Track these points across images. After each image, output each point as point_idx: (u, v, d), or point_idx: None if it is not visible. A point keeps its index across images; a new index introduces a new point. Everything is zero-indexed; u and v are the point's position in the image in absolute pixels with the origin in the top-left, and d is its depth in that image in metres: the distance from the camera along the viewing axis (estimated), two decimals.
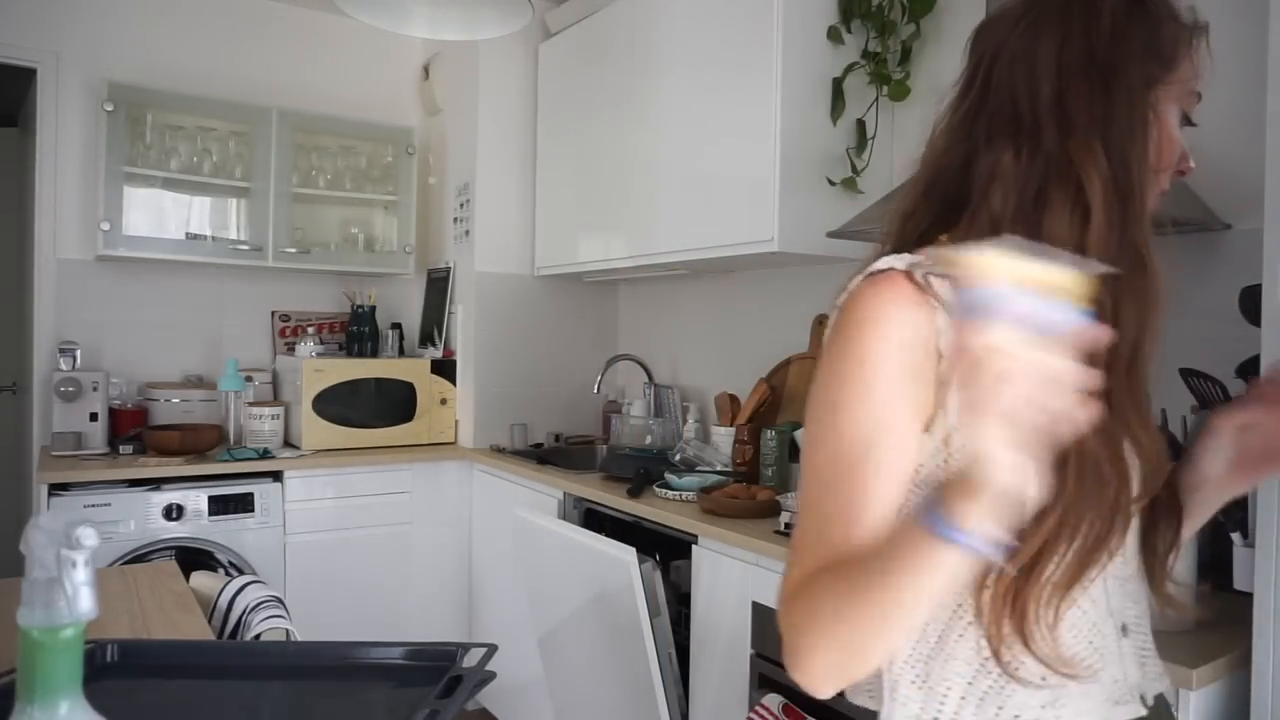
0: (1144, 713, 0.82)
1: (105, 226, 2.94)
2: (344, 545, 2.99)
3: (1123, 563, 0.82)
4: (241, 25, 3.41)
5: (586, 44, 3.01)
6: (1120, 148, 0.76)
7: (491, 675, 0.98)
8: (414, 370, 3.23)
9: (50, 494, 2.58)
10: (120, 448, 2.88)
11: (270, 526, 2.86)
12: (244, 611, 1.58)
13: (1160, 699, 0.86)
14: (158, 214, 3.16)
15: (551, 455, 3.02)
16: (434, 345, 3.44)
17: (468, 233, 3.30)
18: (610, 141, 2.85)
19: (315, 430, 3.02)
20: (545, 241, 3.27)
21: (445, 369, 3.29)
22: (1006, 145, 0.78)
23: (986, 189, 0.78)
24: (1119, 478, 0.74)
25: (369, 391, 3.14)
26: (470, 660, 1.03)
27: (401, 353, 3.50)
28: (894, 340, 0.73)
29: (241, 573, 2.53)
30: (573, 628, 2.20)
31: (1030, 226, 0.75)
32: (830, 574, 0.70)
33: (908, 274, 0.76)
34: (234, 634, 1.56)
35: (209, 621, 1.55)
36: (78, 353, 2.95)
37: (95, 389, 2.89)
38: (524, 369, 3.31)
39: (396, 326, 3.52)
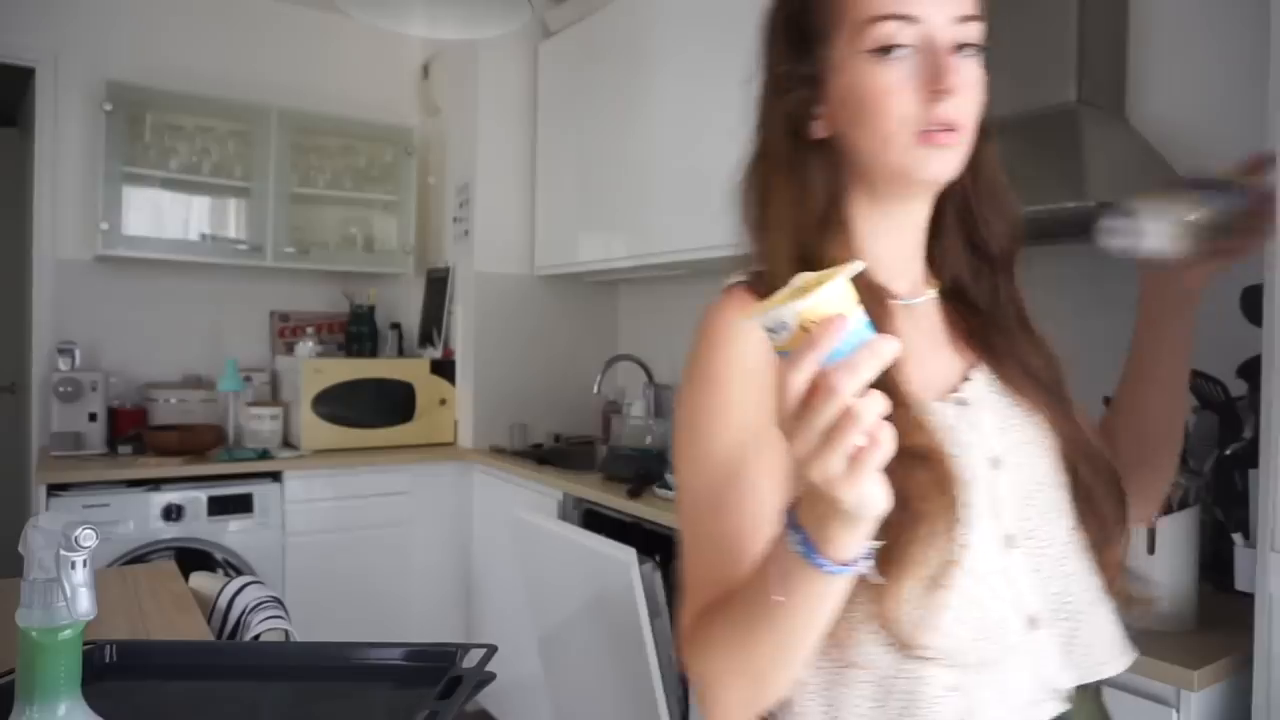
0: (1067, 708, 0.74)
1: (104, 226, 2.94)
2: (343, 546, 2.99)
3: (1035, 550, 0.74)
4: (241, 25, 3.41)
5: (586, 44, 3.01)
6: (763, 148, 0.80)
7: (491, 676, 0.98)
8: (413, 370, 3.23)
9: (49, 494, 2.58)
10: (119, 448, 2.88)
11: (269, 527, 2.85)
12: (243, 612, 1.58)
13: (1090, 689, 0.77)
14: (157, 214, 3.16)
15: (551, 455, 3.01)
16: (433, 345, 3.44)
17: (467, 233, 3.30)
18: (610, 141, 2.85)
19: (314, 430, 3.02)
20: (545, 241, 3.27)
21: (444, 369, 3.29)
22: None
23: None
24: (927, 466, 0.66)
25: (368, 392, 3.13)
26: (470, 661, 1.03)
27: (401, 353, 3.50)
28: (738, 358, 0.70)
29: (241, 573, 2.53)
30: (572, 629, 2.19)
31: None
32: (722, 613, 0.66)
33: (751, 286, 0.75)
34: (233, 635, 1.56)
35: (208, 622, 1.55)
36: (77, 353, 2.95)
37: (94, 389, 2.89)
38: (524, 369, 3.30)
39: (396, 326, 3.52)
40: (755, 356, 0.70)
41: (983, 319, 0.81)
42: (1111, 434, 0.94)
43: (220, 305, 3.41)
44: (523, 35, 3.16)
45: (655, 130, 2.62)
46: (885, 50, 0.70)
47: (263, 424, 3.04)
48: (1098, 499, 0.79)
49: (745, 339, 0.71)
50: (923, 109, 0.70)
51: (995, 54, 2.02)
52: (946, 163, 0.72)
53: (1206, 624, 1.27)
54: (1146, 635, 1.26)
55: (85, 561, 0.72)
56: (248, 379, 3.18)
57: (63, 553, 0.71)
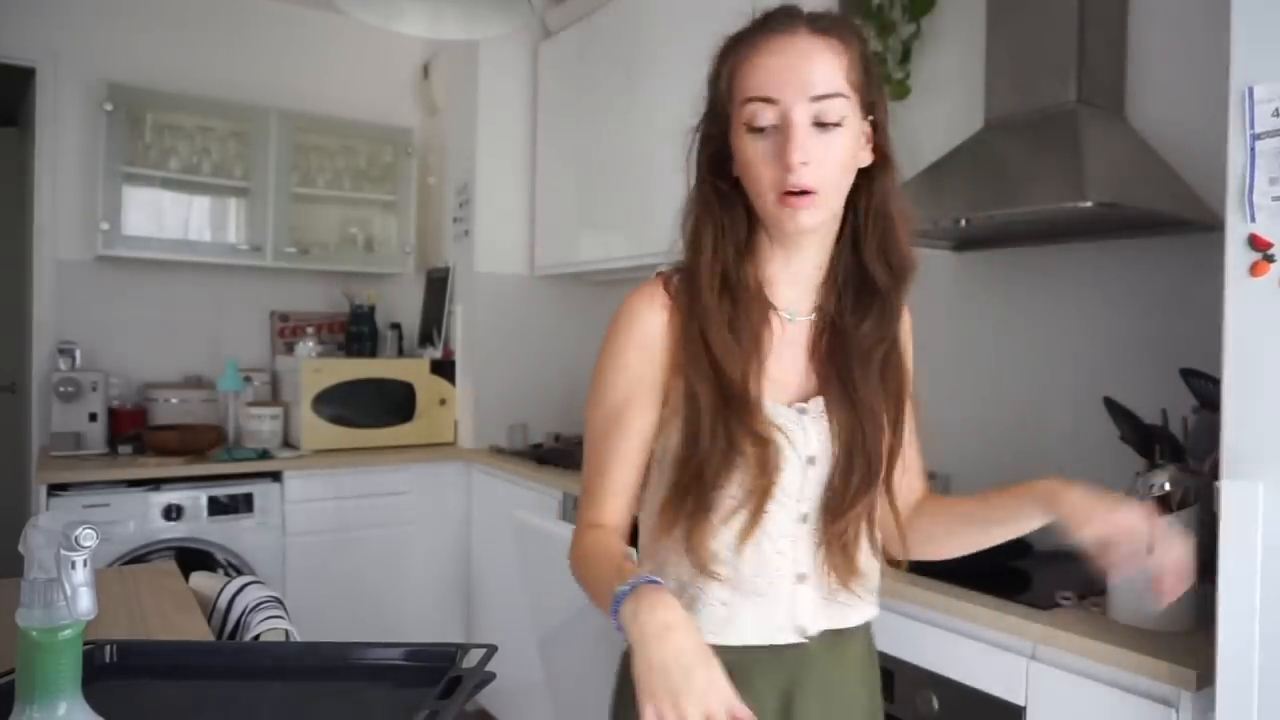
0: (802, 641, 0.98)
1: (104, 226, 2.94)
2: (343, 546, 2.99)
3: (802, 526, 0.98)
4: (241, 25, 3.41)
5: (586, 43, 3.01)
6: (696, 180, 1.03)
7: (491, 676, 0.98)
8: (413, 370, 3.23)
9: (49, 494, 2.58)
10: (119, 448, 2.88)
11: (270, 527, 2.85)
12: (243, 612, 1.58)
13: (833, 633, 1.01)
14: (157, 214, 3.16)
15: (551, 455, 3.01)
16: (433, 345, 3.44)
17: (467, 233, 3.30)
18: (610, 141, 2.85)
19: (314, 430, 3.02)
20: (545, 241, 3.27)
21: (444, 369, 3.29)
22: None
23: None
24: (753, 460, 0.93)
25: (368, 392, 3.14)
26: (470, 661, 1.03)
27: (401, 353, 3.50)
28: (638, 334, 0.97)
29: (241, 573, 2.53)
30: (572, 628, 2.19)
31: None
32: (586, 562, 0.95)
33: (668, 278, 1.00)
34: (234, 634, 1.56)
35: (208, 622, 1.55)
36: (77, 353, 2.95)
37: (94, 389, 2.89)
38: (524, 369, 3.30)
39: (396, 327, 3.51)
40: (651, 334, 0.96)
41: (843, 344, 0.98)
42: (943, 514, 1.10)
43: (220, 305, 3.40)
44: (523, 35, 3.16)
45: (655, 130, 2.62)
46: (753, 128, 0.90)
47: (263, 424, 3.04)
48: (857, 503, 0.98)
49: (646, 320, 0.97)
50: (780, 176, 0.88)
51: (996, 54, 2.03)
52: (807, 218, 0.90)
53: (1206, 624, 1.27)
54: (1146, 635, 1.26)
55: (85, 561, 0.72)
56: (248, 379, 3.18)
57: (63, 552, 0.71)
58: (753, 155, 0.90)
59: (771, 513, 0.95)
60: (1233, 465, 1.08)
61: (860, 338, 0.97)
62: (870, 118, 0.94)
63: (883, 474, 0.98)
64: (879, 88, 0.95)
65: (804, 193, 0.88)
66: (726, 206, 0.98)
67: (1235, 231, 1.07)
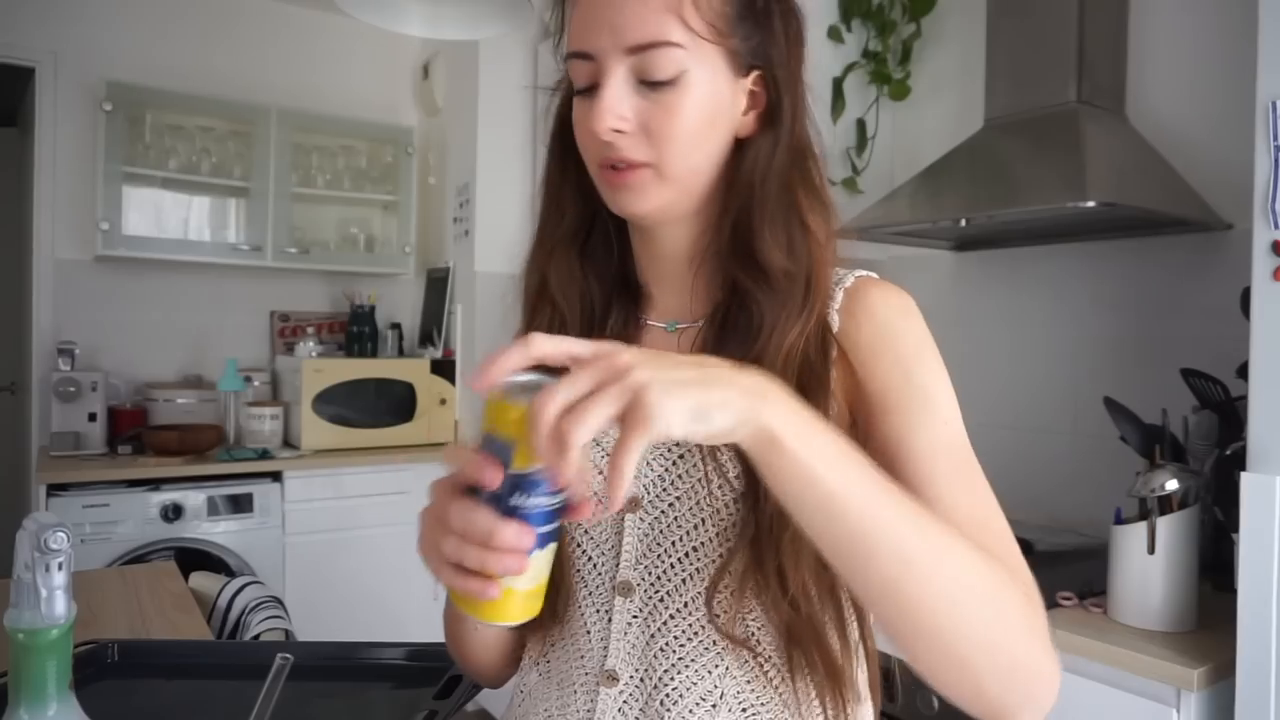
0: None
1: (104, 226, 2.94)
2: (343, 545, 2.98)
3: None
4: (241, 25, 3.41)
5: None
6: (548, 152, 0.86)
7: None
8: (413, 370, 3.23)
9: (49, 494, 2.58)
10: (119, 448, 2.88)
11: (269, 527, 2.85)
12: (243, 612, 1.58)
13: None
14: (156, 214, 3.16)
15: None
16: (433, 345, 3.44)
17: (467, 233, 3.30)
18: None
19: (314, 430, 3.02)
20: None
21: (445, 369, 3.29)
22: None
23: None
24: None
25: (368, 392, 3.13)
26: None
27: (401, 353, 3.50)
28: None
29: (240, 573, 2.53)
30: None
31: None
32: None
33: None
34: (233, 634, 1.56)
35: (208, 622, 1.55)
36: (76, 353, 2.95)
37: (94, 389, 2.89)
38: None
39: (396, 326, 3.51)
40: None
41: (737, 350, 0.67)
42: None
43: (220, 305, 3.40)
44: (523, 35, 3.16)
45: None
46: (578, 90, 0.71)
47: (263, 424, 3.04)
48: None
49: None
50: (599, 146, 0.68)
51: (996, 54, 2.02)
52: (632, 199, 0.69)
53: (1206, 624, 1.27)
54: (1146, 635, 1.26)
55: (61, 564, 0.72)
56: (248, 379, 3.17)
57: (36, 555, 0.71)
58: (576, 120, 0.72)
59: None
60: (1255, 459, 1.13)
61: (760, 341, 0.68)
62: (755, 69, 0.69)
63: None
64: (777, 24, 0.69)
65: (630, 167, 0.67)
66: (564, 183, 0.81)
67: (1261, 238, 1.14)
